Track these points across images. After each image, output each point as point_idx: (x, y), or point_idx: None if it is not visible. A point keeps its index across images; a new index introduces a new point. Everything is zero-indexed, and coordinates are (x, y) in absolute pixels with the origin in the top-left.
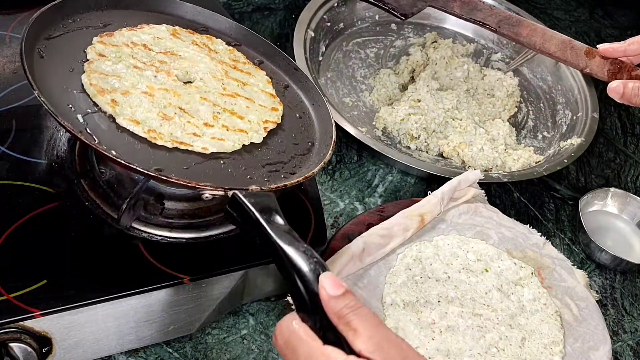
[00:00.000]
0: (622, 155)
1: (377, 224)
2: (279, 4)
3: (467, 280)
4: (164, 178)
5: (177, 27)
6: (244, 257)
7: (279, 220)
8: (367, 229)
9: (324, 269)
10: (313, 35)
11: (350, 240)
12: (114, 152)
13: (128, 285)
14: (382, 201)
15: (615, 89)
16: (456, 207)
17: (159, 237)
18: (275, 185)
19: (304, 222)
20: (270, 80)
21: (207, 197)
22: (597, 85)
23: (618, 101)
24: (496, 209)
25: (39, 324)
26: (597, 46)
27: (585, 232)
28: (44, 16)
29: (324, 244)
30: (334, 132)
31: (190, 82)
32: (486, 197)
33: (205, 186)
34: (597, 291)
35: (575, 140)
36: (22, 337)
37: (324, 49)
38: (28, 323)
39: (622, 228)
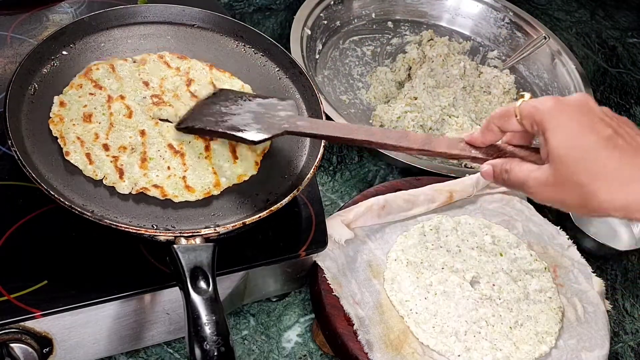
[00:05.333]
0: None
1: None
2: (280, 4)
3: (478, 257)
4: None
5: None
6: (245, 258)
7: (203, 285)
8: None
9: (219, 350)
10: (310, 33)
11: None
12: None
13: (128, 285)
14: None
15: (487, 171)
16: (490, 195)
17: (160, 237)
18: (232, 225)
19: (305, 223)
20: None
21: (161, 240)
22: (595, 89)
23: (493, 183)
24: (531, 206)
25: (40, 324)
26: (463, 136)
27: (571, 220)
28: (41, 48)
29: (325, 245)
30: (320, 156)
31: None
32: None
33: (157, 232)
34: (610, 302)
35: None
36: (23, 337)
37: (320, 47)
38: (29, 323)
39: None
